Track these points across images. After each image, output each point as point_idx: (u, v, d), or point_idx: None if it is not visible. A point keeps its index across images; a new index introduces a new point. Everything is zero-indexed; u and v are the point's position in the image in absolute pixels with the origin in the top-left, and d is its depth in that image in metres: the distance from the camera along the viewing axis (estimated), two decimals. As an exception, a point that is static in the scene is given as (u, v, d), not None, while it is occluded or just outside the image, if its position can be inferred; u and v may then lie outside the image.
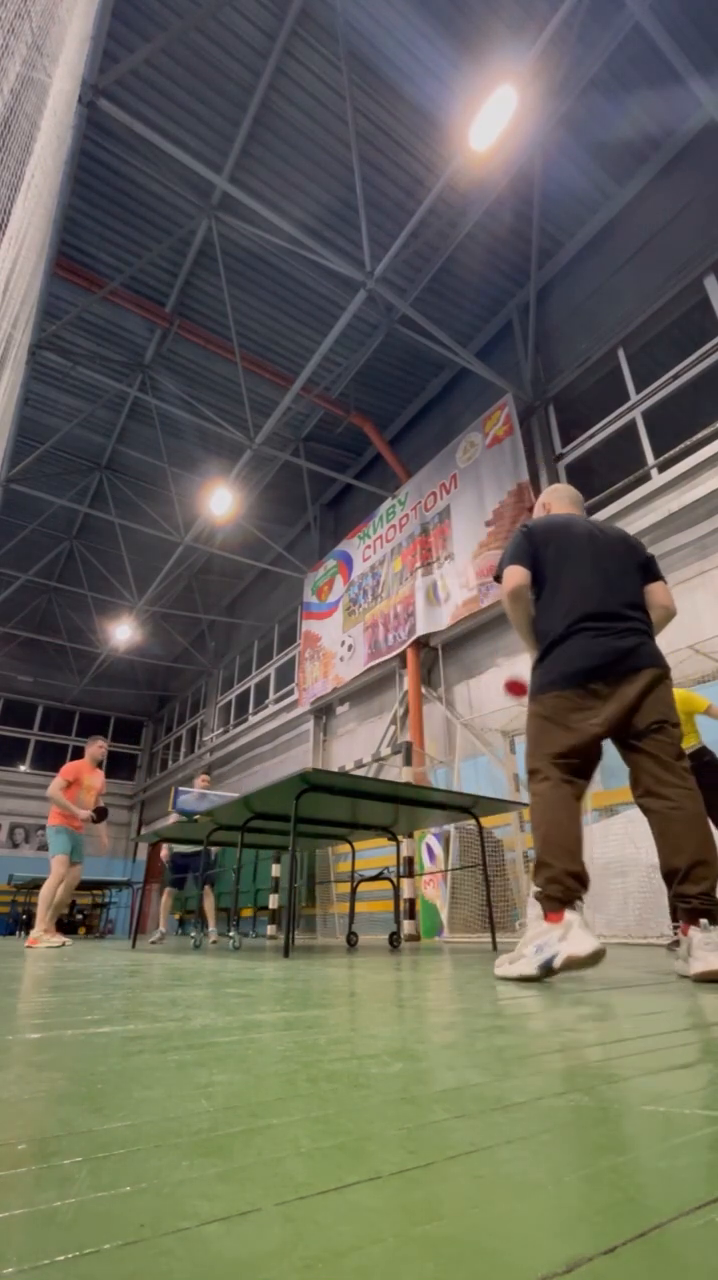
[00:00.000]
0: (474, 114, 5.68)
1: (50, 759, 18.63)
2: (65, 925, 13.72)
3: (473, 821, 4.81)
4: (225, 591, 16.29)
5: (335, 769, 8.88)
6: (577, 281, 7.99)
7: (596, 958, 1.72)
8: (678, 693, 3.77)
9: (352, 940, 4.88)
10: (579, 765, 2.11)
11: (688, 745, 3.75)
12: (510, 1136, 0.49)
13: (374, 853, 7.91)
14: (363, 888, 6.27)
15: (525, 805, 4.28)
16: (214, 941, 6.14)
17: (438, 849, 6.76)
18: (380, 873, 5.24)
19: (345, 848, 8.13)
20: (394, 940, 4.66)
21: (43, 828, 17.56)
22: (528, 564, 2.35)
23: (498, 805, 4.16)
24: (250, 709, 14.27)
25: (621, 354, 7.28)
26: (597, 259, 7.78)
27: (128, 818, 19.43)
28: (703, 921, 1.77)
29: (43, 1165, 0.44)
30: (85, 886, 12.07)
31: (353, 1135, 0.49)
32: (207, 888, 6.37)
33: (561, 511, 2.57)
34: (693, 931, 1.79)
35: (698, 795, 1.98)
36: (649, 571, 2.38)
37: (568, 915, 1.83)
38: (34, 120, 2.73)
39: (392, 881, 4.88)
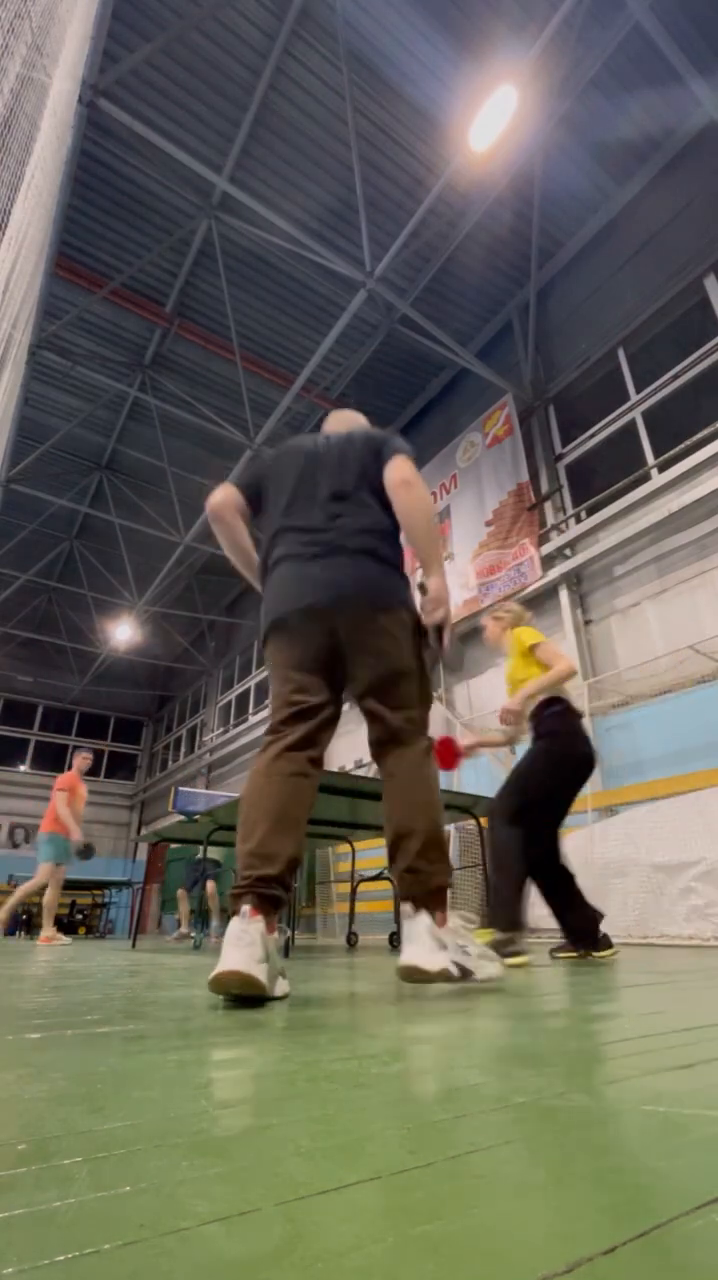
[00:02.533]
0: (474, 114, 5.68)
1: (50, 759, 18.63)
2: (65, 925, 13.72)
3: (473, 821, 4.81)
4: (225, 591, 16.29)
5: (336, 769, 8.88)
6: (577, 281, 7.99)
7: (223, 983, 1.32)
8: (519, 631, 3.24)
9: (352, 940, 4.88)
10: (308, 732, 1.70)
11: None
12: (510, 1136, 0.49)
13: (374, 853, 7.91)
14: (363, 888, 6.28)
15: (525, 805, 4.27)
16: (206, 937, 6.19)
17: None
18: (381, 873, 5.24)
19: (345, 848, 8.13)
20: (394, 940, 4.66)
21: (42, 828, 17.55)
22: (240, 484, 2.00)
23: (498, 805, 4.15)
24: (250, 709, 14.27)
25: (621, 354, 7.28)
26: (597, 259, 7.78)
27: (128, 818, 19.44)
28: (407, 907, 1.59)
29: (43, 1165, 0.44)
30: (85, 886, 12.07)
31: (353, 1135, 0.49)
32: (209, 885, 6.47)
33: (329, 432, 2.12)
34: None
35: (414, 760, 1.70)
36: (381, 457, 1.89)
37: (233, 922, 1.43)
38: (34, 120, 2.73)
39: (392, 882, 4.88)
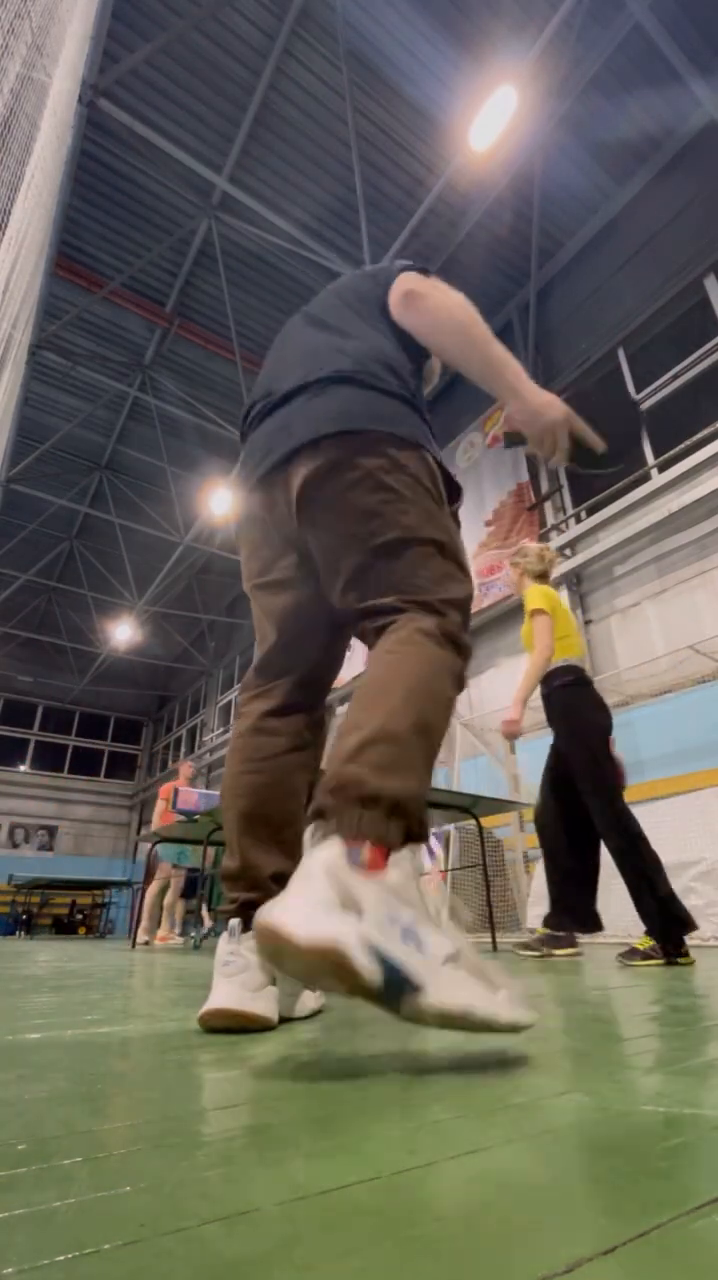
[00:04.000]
0: (474, 114, 5.68)
1: (50, 759, 18.63)
2: (66, 925, 13.74)
3: (473, 821, 4.81)
4: (225, 591, 16.29)
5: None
6: (577, 281, 7.99)
7: (211, 1024, 0.98)
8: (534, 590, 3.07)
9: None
10: (281, 661, 1.24)
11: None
12: (510, 1136, 0.48)
13: (374, 853, 7.90)
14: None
15: (526, 805, 4.27)
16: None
17: (438, 849, 6.76)
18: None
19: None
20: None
21: (43, 828, 17.58)
22: None
23: (498, 805, 4.16)
24: (250, 709, 14.26)
25: (621, 354, 7.28)
26: (597, 259, 7.78)
27: (128, 818, 19.44)
28: (310, 826, 0.86)
29: (43, 1165, 0.44)
30: (86, 886, 12.10)
31: (353, 1135, 0.49)
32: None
33: None
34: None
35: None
36: (380, 286, 1.28)
37: (220, 942, 1.07)
38: (34, 120, 2.73)
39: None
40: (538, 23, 5.98)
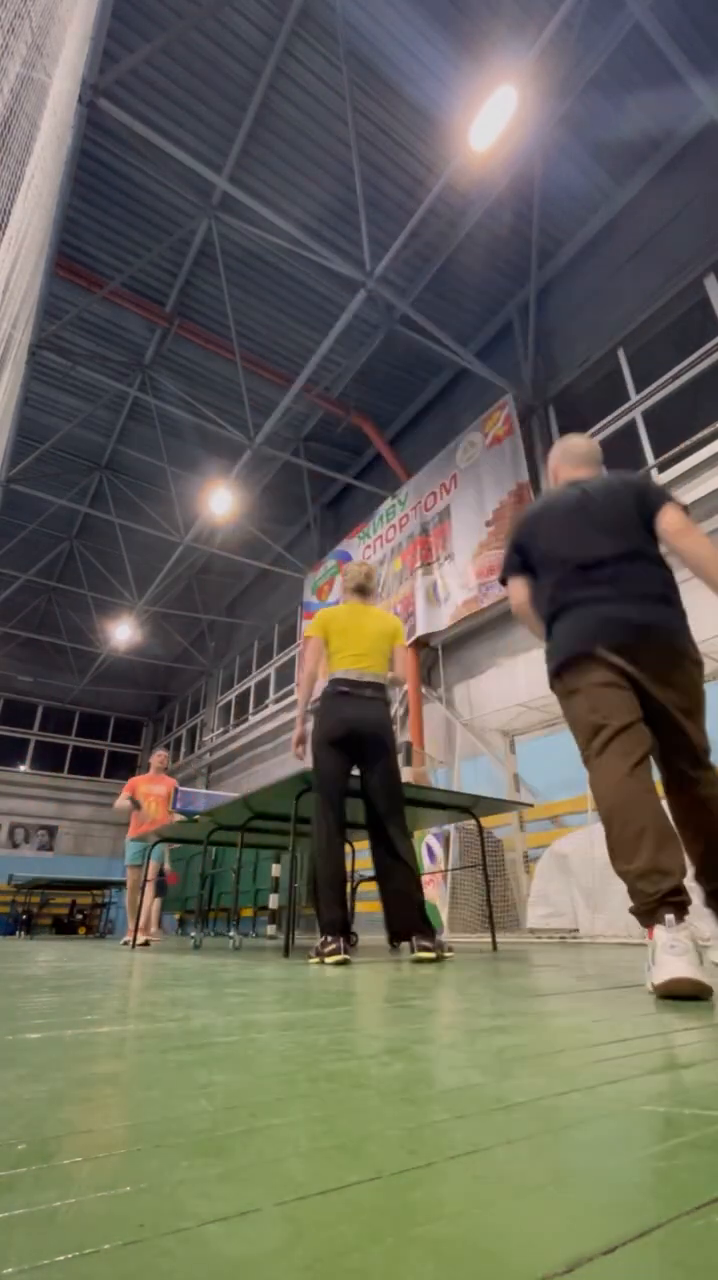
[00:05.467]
0: (474, 114, 5.68)
1: (50, 759, 18.63)
2: (66, 925, 13.74)
3: (473, 822, 4.81)
4: (225, 591, 16.29)
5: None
6: (577, 282, 7.98)
7: (674, 990, 1.45)
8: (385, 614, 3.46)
9: (352, 940, 4.88)
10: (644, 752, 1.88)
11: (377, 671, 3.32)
12: (510, 1136, 0.49)
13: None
14: (363, 888, 6.28)
15: (526, 805, 4.27)
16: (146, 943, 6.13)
17: (438, 849, 6.76)
18: (380, 873, 5.22)
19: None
20: (394, 942, 4.65)
21: (43, 828, 17.59)
22: (519, 569, 2.20)
23: (498, 805, 4.16)
24: (250, 709, 14.27)
25: (621, 354, 7.28)
26: (597, 259, 7.78)
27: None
28: (668, 917, 1.51)
29: (43, 1165, 0.44)
30: (85, 886, 12.10)
31: (353, 1135, 0.49)
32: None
33: (568, 477, 2.29)
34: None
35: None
36: (647, 504, 2.00)
37: (661, 932, 1.53)
38: (34, 120, 2.73)
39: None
40: (538, 23, 5.97)
